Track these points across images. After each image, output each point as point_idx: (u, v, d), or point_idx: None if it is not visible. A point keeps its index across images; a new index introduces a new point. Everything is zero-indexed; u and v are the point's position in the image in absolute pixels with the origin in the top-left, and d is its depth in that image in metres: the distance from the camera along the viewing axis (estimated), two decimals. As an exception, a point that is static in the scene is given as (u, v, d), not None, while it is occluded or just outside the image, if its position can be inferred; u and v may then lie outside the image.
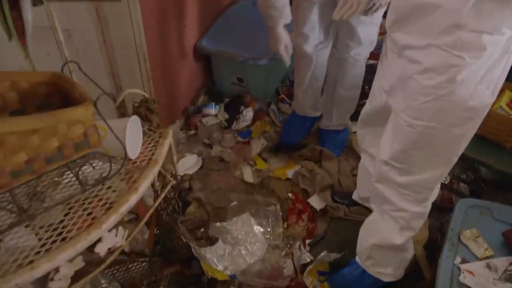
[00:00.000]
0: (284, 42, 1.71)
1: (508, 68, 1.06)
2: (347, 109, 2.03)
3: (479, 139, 1.52)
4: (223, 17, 2.38)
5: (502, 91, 1.61)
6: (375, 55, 2.52)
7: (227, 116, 2.26)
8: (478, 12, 0.92)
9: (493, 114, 1.49)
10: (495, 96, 1.08)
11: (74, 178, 0.96)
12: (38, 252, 0.81)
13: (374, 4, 1.55)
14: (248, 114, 2.25)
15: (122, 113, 1.68)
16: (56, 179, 1.00)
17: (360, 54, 1.82)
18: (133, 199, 0.92)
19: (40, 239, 0.83)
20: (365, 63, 1.92)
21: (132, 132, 0.99)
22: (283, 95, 2.41)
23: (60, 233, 0.85)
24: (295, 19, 1.79)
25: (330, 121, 2.08)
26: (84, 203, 0.92)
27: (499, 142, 1.56)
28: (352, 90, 1.96)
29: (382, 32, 2.55)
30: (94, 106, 0.80)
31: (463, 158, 1.24)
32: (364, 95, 2.27)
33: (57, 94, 0.95)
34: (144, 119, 1.08)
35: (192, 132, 2.22)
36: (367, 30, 1.73)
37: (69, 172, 0.97)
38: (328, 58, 1.92)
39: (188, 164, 2.00)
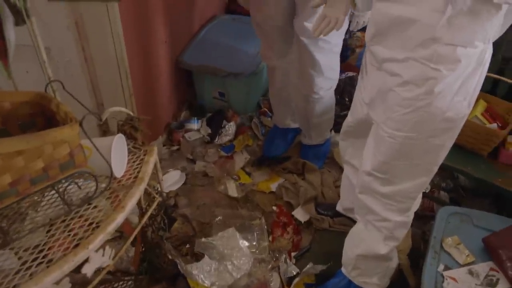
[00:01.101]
0: None
1: (482, 80, 1.11)
2: (325, 128, 2.06)
3: (457, 148, 1.57)
4: (203, 32, 2.40)
5: (476, 101, 1.67)
6: (354, 67, 2.58)
7: (209, 130, 2.26)
8: (451, 26, 0.96)
9: (468, 124, 1.53)
10: (471, 106, 1.13)
11: (57, 196, 0.94)
12: (23, 276, 0.79)
13: (357, 22, 1.60)
14: (230, 128, 2.26)
15: (104, 130, 1.66)
16: (36, 198, 0.98)
17: (323, 88, 1.81)
18: (120, 218, 0.91)
19: (25, 262, 0.82)
20: (333, 94, 1.92)
21: (117, 151, 0.99)
22: (264, 109, 2.43)
23: (45, 255, 0.84)
24: (260, 34, 1.83)
25: (310, 139, 2.11)
26: (69, 224, 0.91)
27: (476, 151, 1.61)
28: (326, 115, 1.97)
29: (361, 45, 2.62)
30: (79, 126, 0.80)
31: (442, 167, 1.28)
32: (345, 106, 2.32)
33: (41, 114, 0.94)
34: (129, 137, 1.08)
35: (175, 147, 2.21)
36: (327, 58, 1.73)
37: (51, 189, 0.96)
38: (294, 91, 1.93)
39: (172, 180, 1.99)
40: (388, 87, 1.12)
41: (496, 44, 1.66)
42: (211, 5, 2.54)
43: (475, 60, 1.03)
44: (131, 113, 1.04)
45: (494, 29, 1.00)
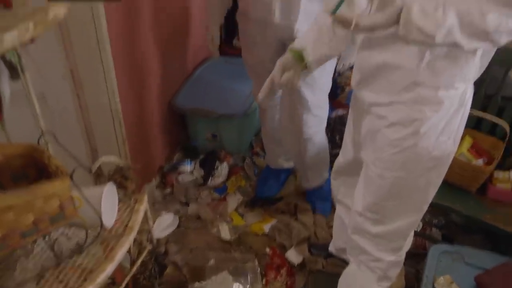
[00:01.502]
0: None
1: (465, 119, 1.15)
2: (321, 168, 2.06)
3: (446, 185, 1.58)
4: (196, 73, 2.47)
5: (462, 137, 1.71)
6: (344, 105, 2.64)
7: (202, 172, 2.28)
8: (432, 70, 1.01)
9: (455, 161, 1.56)
10: (457, 144, 1.17)
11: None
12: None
13: (343, 64, 1.66)
14: (223, 169, 2.28)
15: (98, 173, 1.68)
16: (28, 247, 0.99)
17: (312, 126, 1.84)
18: (110, 268, 0.92)
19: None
20: (324, 134, 1.95)
21: (108, 200, 1.00)
22: (257, 149, 2.46)
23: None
24: (251, 76, 1.88)
25: (308, 182, 2.10)
26: (59, 275, 0.91)
27: (464, 187, 1.63)
28: (319, 155, 1.98)
29: (350, 83, 2.69)
30: (70, 179, 0.82)
31: (432, 204, 1.29)
32: (336, 145, 2.36)
33: (33, 166, 0.96)
34: (119, 185, 1.09)
35: (168, 190, 2.22)
36: (315, 96, 1.77)
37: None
38: (286, 132, 1.96)
39: (165, 223, 1.99)
40: (376, 128, 1.16)
41: (479, 81, 1.72)
42: (204, 47, 2.62)
43: (457, 101, 1.08)
44: (121, 163, 1.06)
45: (473, 70, 1.05)
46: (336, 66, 1.72)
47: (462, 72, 1.02)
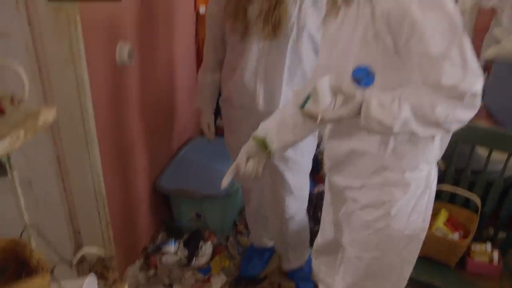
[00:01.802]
0: (208, 120, 1.93)
1: (433, 198, 1.22)
2: (301, 248, 2.07)
3: (425, 260, 1.61)
4: (180, 154, 2.54)
5: (438, 211, 1.77)
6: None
7: (186, 252, 2.27)
8: (397, 155, 1.09)
9: (432, 236, 1.61)
10: (428, 221, 1.22)
11: None
12: None
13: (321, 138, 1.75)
14: (207, 249, 2.28)
15: (81, 260, 1.67)
16: None
17: (293, 207, 1.89)
18: None
19: None
20: (305, 214, 1.99)
21: (88, 292, 1.01)
22: (240, 227, 2.47)
23: None
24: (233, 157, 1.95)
25: (288, 263, 2.10)
26: None
27: (443, 261, 1.65)
28: (300, 235, 2.00)
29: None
30: (51, 274, 0.83)
31: (413, 281, 1.31)
32: (318, 221, 2.38)
33: (15, 259, 0.98)
34: (100, 276, 1.10)
35: (152, 272, 2.19)
36: (296, 178, 1.83)
37: None
38: (268, 212, 2.00)
39: (148, 308, 1.94)
40: (351, 210, 1.22)
41: (448, 158, 1.82)
42: (188, 129, 2.72)
43: (423, 182, 1.15)
44: (103, 254, 1.08)
45: (434, 152, 1.14)
46: (318, 143, 1.81)
47: (425, 155, 1.11)
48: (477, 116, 2.36)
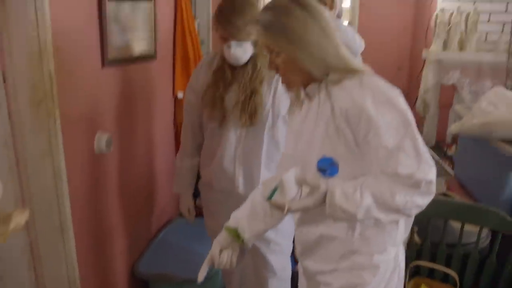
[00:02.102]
0: (188, 204, 1.91)
1: (402, 277, 1.24)
2: None
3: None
4: (160, 237, 2.50)
5: (418, 286, 1.77)
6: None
7: None
8: (364, 239, 1.13)
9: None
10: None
11: None
12: None
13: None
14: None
15: None
16: None
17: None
18: None
19: None
20: None
21: None
22: (222, 311, 2.39)
23: None
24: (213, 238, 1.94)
25: None
26: None
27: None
28: None
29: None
30: None
31: None
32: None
33: None
34: None
35: None
36: (279, 259, 1.84)
37: None
38: None
39: None
40: None
41: (424, 232, 1.85)
42: (167, 211, 2.72)
43: (392, 264, 1.18)
44: None
45: (400, 234, 1.18)
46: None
47: (391, 237, 1.15)
48: (450, 187, 2.45)
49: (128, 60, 2.03)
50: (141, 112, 2.26)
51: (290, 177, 1.06)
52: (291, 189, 1.06)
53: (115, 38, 1.86)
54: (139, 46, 2.15)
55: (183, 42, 2.64)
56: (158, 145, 2.50)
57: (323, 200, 1.04)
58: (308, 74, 1.09)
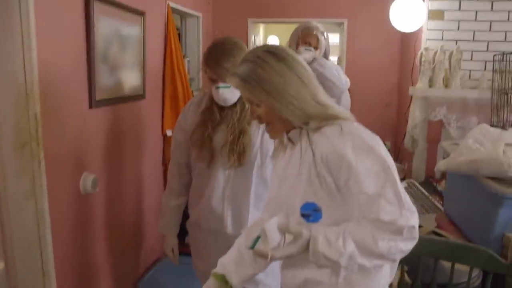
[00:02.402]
0: (172, 245, 1.86)
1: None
2: None
3: None
4: (146, 277, 2.45)
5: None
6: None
7: None
8: (349, 283, 1.11)
9: None
10: None
11: None
12: None
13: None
14: None
15: None
16: None
17: None
18: None
19: None
20: None
21: None
22: None
23: None
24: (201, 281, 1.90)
25: None
26: None
27: None
28: None
29: None
30: None
31: None
32: None
33: None
34: None
35: None
36: None
37: None
38: None
39: None
40: None
41: (414, 271, 1.82)
42: (156, 250, 2.67)
43: None
44: None
45: (385, 278, 1.16)
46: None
47: (376, 281, 1.13)
48: (439, 224, 2.43)
49: (116, 100, 2.04)
50: (130, 151, 2.25)
51: (272, 225, 1.05)
52: (274, 237, 1.05)
53: (103, 78, 1.88)
54: (128, 85, 2.17)
55: (172, 81, 2.67)
56: (147, 183, 2.48)
57: (306, 247, 1.04)
58: (290, 122, 1.11)
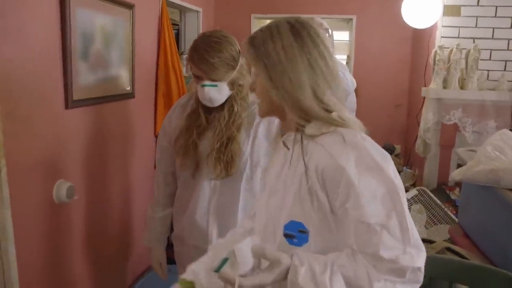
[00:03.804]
0: (159, 259, 1.73)
1: None
2: None
3: None
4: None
5: None
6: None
7: None
8: None
9: None
10: None
11: None
12: None
13: None
14: None
15: None
16: None
17: None
18: None
19: None
20: None
21: None
22: None
23: None
24: None
25: None
26: None
27: None
28: None
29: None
30: None
31: None
32: None
33: None
34: None
35: None
36: None
37: None
38: None
39: None
40: None
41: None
42: (146, 258, 2.50)
43: None
44: None
45: None
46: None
47: None
48: (453, 237, 2.22)
49: (99, 99, 1.87)
50: (115, 155, 2.09)
51: (244, 248, 0.87)
52: (245, 262, 0.87)
53: (83, 76, 1.72)
54: (114, 84, 2.00)
55: (166, 79, 2.50)
56: (136, 189, 2.32)
57: (284, 277, 0.85)
58: (282, 110, 0.93)
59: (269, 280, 0.85)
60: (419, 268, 0.82)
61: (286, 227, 0.91)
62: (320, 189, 0.86)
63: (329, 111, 0.91)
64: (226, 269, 0.87)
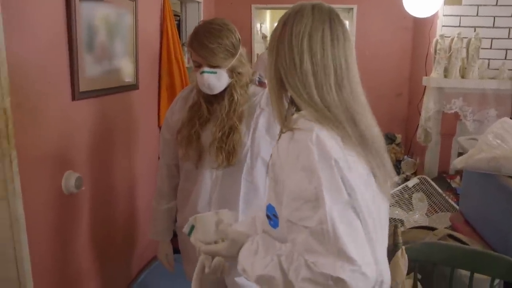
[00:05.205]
0: (166, 252, 1.76)
1: None
2: None
3: None
4: (139, 280, 2.32)
5: None
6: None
7: None
8: None
9: None
10: None
11: None
12: None
13: None
14: None
15: None
16: None
17: None
18: None
19: None
20: None
21: None
22: None
23: None
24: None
25: None
26: None
27: None
28: None
29: None
30: None
31: None
32: None
33: None
34: None
35: None
36: None
37: None
38: None
39: None
40: None
41: (428, 280, 1.66)
42: (150, 249, 2.53)
43: None
44: None
45: None
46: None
47: None
48: (454, 224, 2.25)
49: (104, 90, 1.88)
50: (120, 146, 2.10)
51: (207, 219, 1.04)
52: (206, 231, 1.04)
53: (89, 68, 1.73)
54: (118, 75, 2.01)
55: (169, 71, 2.51)
56: (140, 181, 2.34)
57: (236, 254, 0.95)
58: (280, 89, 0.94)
59: (223, 251, 0.98)
60: (342, 280, 0.73)
61: (267, 208, 0.94)
62: (273, 182, 0.91)
63: (315, 107, 0.87)
64: (195, 235, 1.06)
